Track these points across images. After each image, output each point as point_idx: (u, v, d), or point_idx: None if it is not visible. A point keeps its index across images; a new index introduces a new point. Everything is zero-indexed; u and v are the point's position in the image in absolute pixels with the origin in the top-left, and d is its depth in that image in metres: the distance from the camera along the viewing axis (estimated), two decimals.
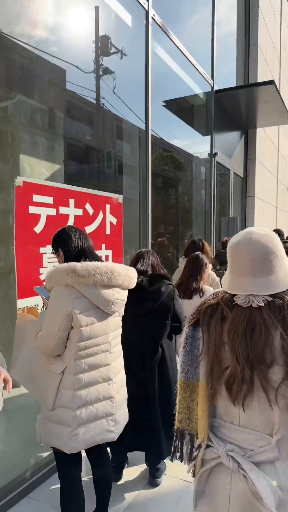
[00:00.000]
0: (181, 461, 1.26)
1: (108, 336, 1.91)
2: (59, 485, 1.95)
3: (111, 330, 1.94)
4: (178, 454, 1.27)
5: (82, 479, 2.00)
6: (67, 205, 2.79)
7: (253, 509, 1.10)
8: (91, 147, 3.71)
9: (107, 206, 3.27)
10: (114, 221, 3.37)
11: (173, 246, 5.31)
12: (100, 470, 2.08)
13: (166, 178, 5.23)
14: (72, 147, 3.45)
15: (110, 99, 3.76)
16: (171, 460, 1.30)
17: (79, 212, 2.92)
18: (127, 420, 2.08)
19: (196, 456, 1.20)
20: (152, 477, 2.56)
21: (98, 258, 1.92)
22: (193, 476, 1.23)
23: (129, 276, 1.96)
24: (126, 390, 2.12)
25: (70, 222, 2.83)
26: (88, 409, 1.84)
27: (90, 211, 3.06)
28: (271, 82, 5.83)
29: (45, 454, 2.72)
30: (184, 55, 5.01)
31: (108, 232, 3.30)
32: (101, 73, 3.69)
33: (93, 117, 3.75)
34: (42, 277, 2.43)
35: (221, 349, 1.15)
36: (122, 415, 2.02)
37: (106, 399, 1.90)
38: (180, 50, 4.89)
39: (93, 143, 3.73)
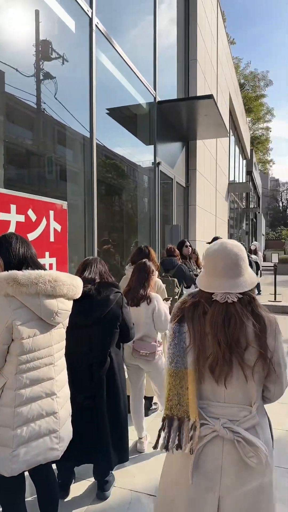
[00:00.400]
0: (166, 449, 1.42)
1: (52, 348, 1.82)
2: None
3: (55, 342, 1.85)
4: (161, 442, 1.43)
5: (26, 499, 1.88)
6: (8, 211, 2.67)
7: (243, 473, 1.37)
8: (33, 152, 3.60)
9: (51, 213, 3.17)
10: (59, 228, 3.28)
11: (118, 253, 5.30)
12: (46, 489, 1.97)
13: (110, 186, 5.22)
14: (12, 151, 3.32)
15: (52, 104, 3.69)
16: (154, 447, 1.52)
17: (21, 218, 2.80)
18: (71, 436, 1.98)
19: (193, 435, 1.39)
20: (101, 491, 2.49)
21: (41, 267, 1.83)
22: (191, 453, 1.40)
23: (75, 285, 1.90)
24: (70, 405, 2.03)
25: (12, 229, 2.70)
26: (30, 426, 1.72)
27: (33, 217, 2.95)
28: (210, 96, 6.09)
29: None
30: (128, 64, 5.07)
31: (52, 239, 3.20)
32: (42, 77, 3.60)
33: (34, 121, 3.64)
34: None
35: (204, 338, 1.41)
36: (67, 432, 1.92)
37: (49, 415, 1.80)
38: (124, 60, 4.94)
39: (35, 148, 3.63)
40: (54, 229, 3.23)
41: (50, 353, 1.81)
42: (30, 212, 2.92)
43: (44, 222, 3.09)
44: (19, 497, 1.81)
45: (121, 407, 2.46)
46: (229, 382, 1.38)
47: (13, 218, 2.72)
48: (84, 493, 2.55)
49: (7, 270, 1.71)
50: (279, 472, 2.68)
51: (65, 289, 1.80)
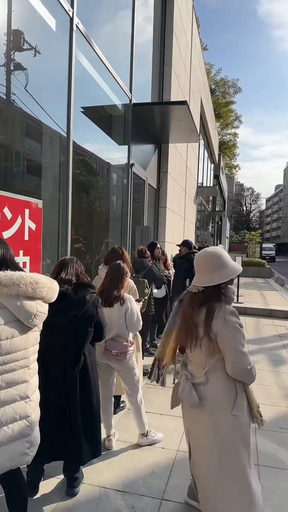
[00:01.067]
0: (156, 381, 2.44)
1: (28, 351, 1.82)
2: None
3: (30, 345, 1.85)
4: (152, 377, 2.45)
5: None
6: None
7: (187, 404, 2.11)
8: (5, 147, 3.56)
9: (27, 211, 3.17)
10: (33, 226, 3.28)
11: (89, 253, 5.32)
12: (14, 489, 1.96)
13: (83, 184, 5.24)
14: None
15: (27, 100, 3.66)
16: (149, 377, 2.51)
17: None
18: (39, 442, 1.97)
19: (163, 373, 2.41)
20: (70, 487, 2.53)
21: (20, 268, 1.85)
22: (162, 385, 2.44)
23: (53, 289, 1.91)
24: (43, 404, 2.05)
25: None
26: (3, 430, 1.71)
27: (9, 215, 2.93)
28: (184, 103, 6.24)
29: None
30: (106, 66, 5.11)
31: (26, 237, 3.19)
32: (14, 71, 3.57)
33: (6, 115, 3.60)
34: None
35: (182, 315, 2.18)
36: (37, 436, 1.92)
37: (22, 419, 1.80)
38: (102, 61, 4.97)
39: (6, 142, 3.58)
40: (29, 228, 3.22)
41: (26, 355, 1.81)
42: (6, 210, 2.91)
43: (19, 220, 3.08)
44: None
45: (94, 404, 2.52)
46: (192, 349, 2.05)
47: None
48: (53, 490, 2.59)
49: None
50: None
51: (44, 292, 1.82)
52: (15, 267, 1.82)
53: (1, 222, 2.82)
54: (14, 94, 3.49)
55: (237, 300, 10.94)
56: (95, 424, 2.54)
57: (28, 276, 1.76)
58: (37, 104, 3.75)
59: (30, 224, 3.22)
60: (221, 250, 2.10)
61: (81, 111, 5.11)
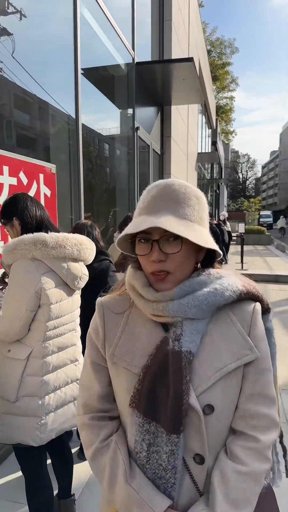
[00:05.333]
0: None
1: (74, 314, 1.78)
2: (12, 477, 1.78)
3: (75, 307, 1.80)
4: None
5: None
6: (1, 173, 2.48)
7: None
8: (16, 112, 3.35)
9: (41, 176, 3.00)
10: (48, 193, 3.12)
11: (99, 223, 5.17)
12: (62, 456, 1.97)
13: (90, 151, 5.01)
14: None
15: (24, 64, 3.41)
16: None
17: (13, 181, 2.63)
18: None
19: None
20: None
21: (58, 230, 1.74)
22: None
23: (93, 250, 1.84)
24: None
25: (4, 192, 2.53)
26: (57, 394, 1.69)
27: (25, 180, 2.77)
28: (191, 59, 5.92)
29: None
30: (109, 20, 4.77)
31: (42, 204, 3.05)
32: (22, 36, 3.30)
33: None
34: None
35: None
36: None
37: (73, 382, 1.79)
38: (106, 15, 4.64)
39: (13, 107, 3.36)
40: (45, 194, 3.07)
41: (72, 318, 1.77)
42: (22, 175, 2.74)
43: (35, 186, 2.92)
44: (45, 466, 1.78)
45: None
46: None
47: (6, 180, 2.54)
48: None
49: (26, 233, 1.60)
50: None
51: (87, 253, 1.75)
52: (54, 229, 1.71)
53: (18, 188, 2.66)
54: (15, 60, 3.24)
55: (242, 267, 10.92)
56: None
57: (73, 238, 1.66)
58: (43, 63, 3.50)
59: (45, 190, 3.07)
60: None
61: (81, 73, 4.82)
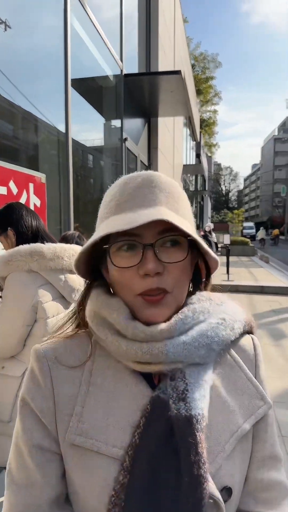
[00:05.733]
0: None
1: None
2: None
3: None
4: None
5: None
6: None
7: None
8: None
9: (31, 186, 2.93)
10: (38, 202, 3.04)
11: (88, 233, 5.10)
12: None
13: (78, 162, 4.96)
14: None
15: (14, 74, 3.36)
16: None
17: (3, 190, 2.54)
18: None
19: None
20: None
21: (55, 241, 1.67)
22: None
23: None
24: None
25: None
26: None
27: (14, 190, 2.69)
28: (178, 72, 5.98)
29: None
30: (98, 31, 4.77)
31: None
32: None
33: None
34: None
35: None
36: None
37: None
38: (95, 26, 4.64)
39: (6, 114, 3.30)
40: (34, 204, 2.99)
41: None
42: (12, 184, 2.66)
43: (24, 195, 2.84)
44: None
45: None
46: None
47: None
48: None
49: (21, 244, 1.52)
50: None
51: None
52: (50, 239, 1.63)
53: (8, 198, 2.58)
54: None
55: (228, 278, 10.96)
56: None
57: (70, 248, 1.58)
58: (33, 71, 3.45)
59: (35, 200, 2.99)
60: None
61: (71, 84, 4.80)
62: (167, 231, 0.61)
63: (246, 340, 0.73)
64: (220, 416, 0.63)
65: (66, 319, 0.75)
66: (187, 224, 0.63)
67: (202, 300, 0.68)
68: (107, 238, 0.62)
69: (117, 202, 0.64)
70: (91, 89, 5.28)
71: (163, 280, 0.60)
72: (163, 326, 0.60)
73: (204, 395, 0.61)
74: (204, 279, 0.72)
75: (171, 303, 0.62)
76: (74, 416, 0.61)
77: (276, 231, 36.61)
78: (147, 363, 0.60)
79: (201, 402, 0.60)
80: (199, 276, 0.72)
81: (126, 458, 0.57)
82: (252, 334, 0.75)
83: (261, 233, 28.82)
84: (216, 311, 0.68)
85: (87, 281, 0.72)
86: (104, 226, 0.62)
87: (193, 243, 0.64)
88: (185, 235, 0.61)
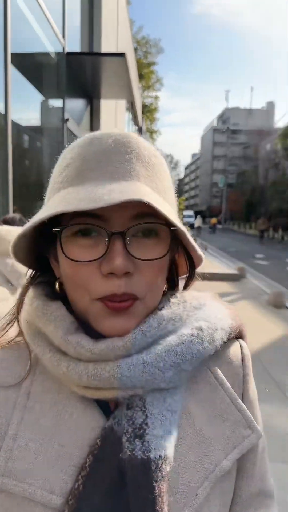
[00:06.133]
0: None
1: None
2: None
3: None
4: None
5: None
6: None
7: None
8: None
9: None
10: None
11: (27, 217, 4.92)
12: None
13: (16, 146, 4.74)
14: None
15: None
16: None
17: None
18: None
19: None
20: None
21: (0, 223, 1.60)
22: None
23: None
24: None
25: None
26: None
27: None
28: (123, 55, 5.89)
29: None
30: (39, 5, 4.53)
31: None
32: None
33: None
34: None
35: None
36: None
37: None
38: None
39: None
40: None
41: None
42: None
43: None
44: None
45: None
46: None
47: None
48: None
49: None
50: None
51: None
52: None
53: None
54: None
55: None
56: None
57: (15, 231, 1.51)
58: None
59: None
60: None
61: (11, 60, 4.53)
62: (143, 217, 0.46)
63: (232, 349, 0.58)
64: (192, 454, 0.49)
65: (5, 323, 0.59)
66: (168, 208, 0.47)
67: (174, 303, 0.53)
68: (59, 218, 0.47)
69: (78, 169, 0.48)
70: (32, 66, 5.03)
71: (132, 282, 0.45)
72: (115, 341, 0.45)
73: (169, 431, 0.47)
74: (185, 276, 0.58)
75: (141, 313, 0.48)
76: (1, 452, 0.46)
77: (214, 220, 37.97)
78: (97, 388, 0.46)
79: (164, 441, 0.45)
80: (175, 272, 0.58)
81: (65, 509, 0.43)
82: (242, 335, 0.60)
83: (198, 221, 29.79)
84: (192, 317, 0.52)
85: (32, 271, 0.57)
86: (57, 200, 0.46)
87: (173, 234, 0.49)
88: (168, 224, 0.46)
